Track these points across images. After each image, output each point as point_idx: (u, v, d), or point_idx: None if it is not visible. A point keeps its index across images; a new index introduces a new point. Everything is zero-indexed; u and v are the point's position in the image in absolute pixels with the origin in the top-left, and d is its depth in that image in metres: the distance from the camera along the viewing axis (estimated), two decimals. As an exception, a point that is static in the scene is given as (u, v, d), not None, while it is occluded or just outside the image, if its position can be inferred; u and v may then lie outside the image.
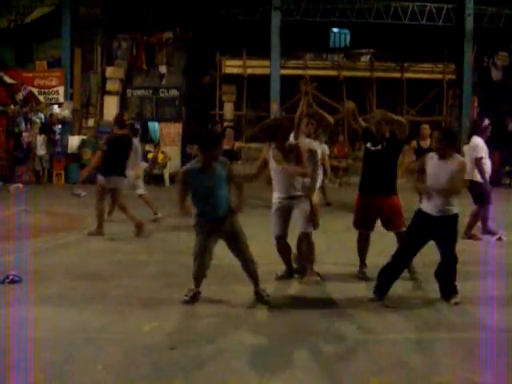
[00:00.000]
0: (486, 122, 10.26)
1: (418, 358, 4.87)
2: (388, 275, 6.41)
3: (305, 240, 7.17)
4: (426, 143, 11.58)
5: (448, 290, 6.29)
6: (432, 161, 6.32)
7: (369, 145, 7.21)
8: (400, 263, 6.46)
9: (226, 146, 10.47)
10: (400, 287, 6.77)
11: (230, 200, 6.29)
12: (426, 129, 11.71)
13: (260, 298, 6.27)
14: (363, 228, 7.34)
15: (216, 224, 6.20)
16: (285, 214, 7.06)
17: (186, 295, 6.19)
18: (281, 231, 7.12)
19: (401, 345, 5.16)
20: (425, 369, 4.67)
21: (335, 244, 9.48)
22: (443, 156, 6.22)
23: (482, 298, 6.67)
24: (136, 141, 11.41)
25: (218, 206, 6.16)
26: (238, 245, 6.27)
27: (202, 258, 6.22)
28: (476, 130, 10.19)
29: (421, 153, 11.00)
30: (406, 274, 7.25)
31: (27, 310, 5.87)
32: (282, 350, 4.99)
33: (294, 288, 7.02)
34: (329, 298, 6.63)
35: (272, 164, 6.96)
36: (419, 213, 6.38)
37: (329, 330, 5.50)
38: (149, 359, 4.75)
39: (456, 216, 6.28)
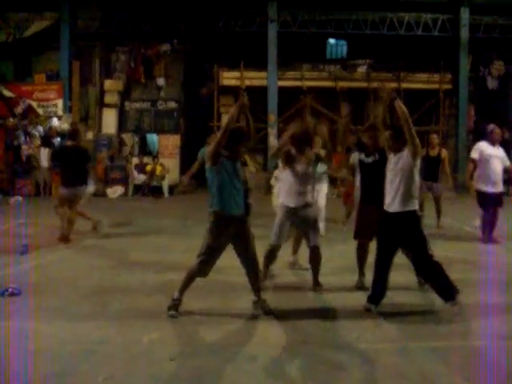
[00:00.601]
0: (491, 126, 10.68)
1: (417, 367, 4.89)
2: (378, 283, 6.45)
3: (316, 252, 7.23)
4: (434, 152, 11.87)
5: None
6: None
7: (362, 156, 7.29)
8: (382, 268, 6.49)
9: None
10: (399, 296, 6.82)
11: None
12: (434, 138, 12.04)
13: (264, 308, 6.27)
14: (363, 237, 7.37)
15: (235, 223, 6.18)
16: (291, 223, 7.19)
17: (170, 310, 6.17)
18: (280, 241, 7.19)
19: (399, 354, 5.19)
20: (423, 378, 4.70)
21: (335, 254, 9.51)
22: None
23: (481, 305, 6.69)
24: None
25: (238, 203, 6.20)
26: (247, 250, 6.25)
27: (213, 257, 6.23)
28: (484, 135, 10.62)
29: (429, 161, 11.62)
30: (404, 282, 7.30)
31: (27, 323, 5.88)
32: (281, 359, 5.02)
33: (293, 298, 7.03)
34: (328, 307, 6.65)
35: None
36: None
37: (328, 340, 5.53)
38: (149, 371, 4.77)
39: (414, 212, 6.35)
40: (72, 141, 10.92)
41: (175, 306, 6.19)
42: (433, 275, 6.31)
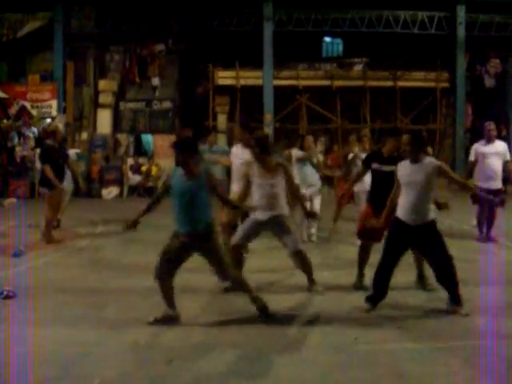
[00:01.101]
0: (486, 123, 10.74)
1: (417, 367, 4.83)
2: (380, 284, 6.37)
3: (297, 257, 7.10)
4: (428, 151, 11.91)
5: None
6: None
7: (376, 166, 7.21)
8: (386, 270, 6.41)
9: None
10: (398, 296, 6.74)
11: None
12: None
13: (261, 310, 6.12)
14: (368, 239, 7.29)
15: (193, 241, 5.92)
16: (259, 230, 7.06)
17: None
18: (242, 240, 7.08)
19: (399, 354, 5.12)
20: (423, 378, 4.64)
21: (331, 255, 9.45)
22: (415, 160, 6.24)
23: (480, 305, 6.63)
24: None
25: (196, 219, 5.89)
26: (220, 265, 6.01)
27: (164, 281, 6.00)
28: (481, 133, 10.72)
29: None
30: (402, 283, 7.22)
31: (22, 326, 5.81)
32: (280, 361, 4.94)
33: (289, 300, 6.96)
34: (326, 308, 6.56)
35: (256, 179, 6.91)
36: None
37: (327, 341, 5.45)
38: (145, 373, 4.72)
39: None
40: (52, 140, 10.79)
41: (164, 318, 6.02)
42: (451, 277, 6.21)
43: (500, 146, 10.58)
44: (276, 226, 6.97)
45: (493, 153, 10.38)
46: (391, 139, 7.19)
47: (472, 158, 10.67)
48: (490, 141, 10.50)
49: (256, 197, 6.94)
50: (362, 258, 7.37)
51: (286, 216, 6.97)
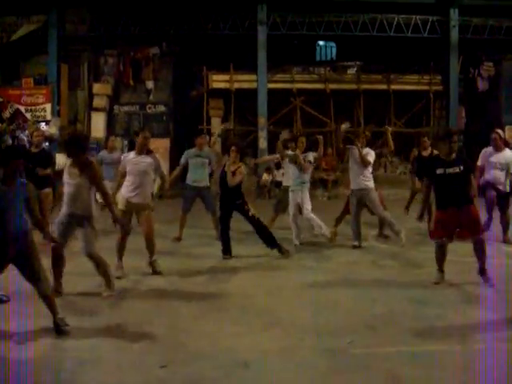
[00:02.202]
0: (492, 134, 10.68)
1: (413, 371, 4.81)
2: None
3: (92, 259, 7.14)
4: (427, 152, 11.87)
5: None
6: None
7: (440, 171, 7.51)
8: None
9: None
10: (394, 299, 6.76)
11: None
12: (425, 141, 12.01)
13: (57, 327, 5.81)
14: (444, 237, 7.57)
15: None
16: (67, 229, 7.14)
17: None
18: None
19: (394, 358, 5.10)
20: (419, 382, 4.63)
21: (324, 257, 9.45)
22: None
23: (480, 308, 6.66)
24: None
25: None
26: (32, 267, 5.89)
27: None
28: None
29: (421, 161, 11.59)
30: (401, 287, 7.24)
31: (16, 331, 5.77)
32: (273, 365, 4.93)
33: (284, 304, 6.96)
34: (320, 313, 6.56)
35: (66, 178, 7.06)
36: None
37: (321, 345, 5.45)
38: (139, 378, 4.69)
39: None
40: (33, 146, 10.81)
41: None
42: None
43: (506, 155, 10.51)
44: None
45: (497, 162, 10.39)
46: (444, 142, 7.65)
47: (479, 162, 10.73)
48: (497, 149, 10.50)
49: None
50: (439, 256, 7.70)
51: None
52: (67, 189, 7.02)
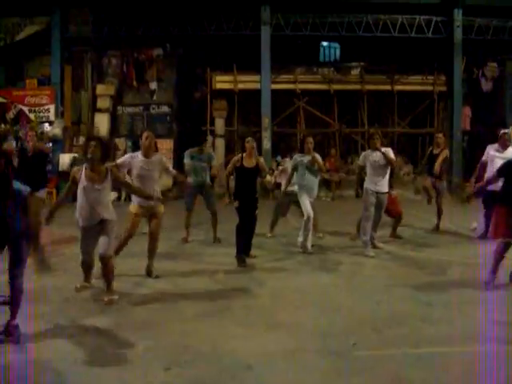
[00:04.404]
0: (501, 131, 10.98)
1: (417, 373, 4.79)
2: None
3: (104, 262, 7.09)
4: (438, 151, 12.12)
5: None
6: None
7: None
8: None
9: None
10: (397, 302, 6.73)
11: None
12: (438, 137, 12.06)
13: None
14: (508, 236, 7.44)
15: None
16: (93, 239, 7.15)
17: None
18: (86, 255, 7.22)
19: (399, 360, 5.09)
20: (424, 385, 4.61)
21: (329, 259, 9.43)
22: None
23: (480, 309, 6.62)
24: None
25: None
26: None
27: None
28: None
29: (432, 159, 12.02)
30: (405, 289, 7.22)
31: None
32: (277, 368, 4.92)
33: (287, 305, 6.93)
34: (324, 314, 6.54)
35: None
36: None
37: (325, 347, 5.42)
38: (143, 380, 4.67)
39: None
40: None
41: None
42: None
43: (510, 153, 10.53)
44: None
45: (501, 158, 10.39)
46: None
47: (483, 157, 10.94)
48: (503, 148, 10.60)
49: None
50: (499, 256, 7.50)
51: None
52: (90, 194, 6.94)
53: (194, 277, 8.32)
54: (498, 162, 10.38)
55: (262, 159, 9.25)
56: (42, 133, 20.71)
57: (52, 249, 10.36)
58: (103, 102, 22.47)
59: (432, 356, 5.15)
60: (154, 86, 23.00)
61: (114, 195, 20.13)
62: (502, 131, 10.89)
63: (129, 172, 8.49)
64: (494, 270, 7.49)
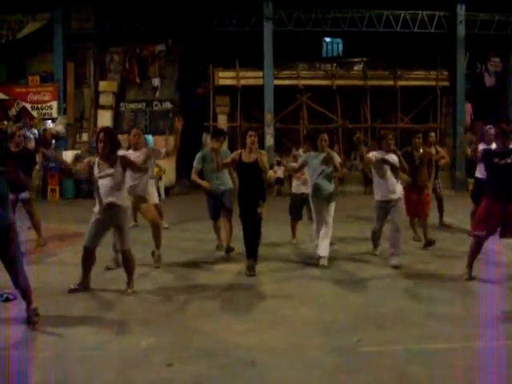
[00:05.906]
0: (487, 127, 10.81)
1: (419, 369, 4.78)
2: None
3: (125, 256, 7.18)
4: (431, 149, 11.81)
5: None
6: None
7: (496, 160, 7.47)
8: None
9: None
10: (400, 298, 6.72)
11: None
12: (431, 136, 11.77)
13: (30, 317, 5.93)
14: (485, 230, 7.44)
15: None
16: (103, 227, 7.18)
17: None
18: (90, 243, 7.16)
19: (402, 356, 5.08)
20: (426, 380, 4.61)
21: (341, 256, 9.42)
22: None
23: (482, 305, 6.63)
24: None
25: None
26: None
27: None
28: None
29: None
30: (405, 285, 7.21)
31: (22, 329, 5.79)
32: (280, 364, 4.91)
33: (291, 301, 6.93)
34: (328, 311, 6.53)
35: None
36: None
37: (328, 343, 5.42)
38: (146, 377, 4.67)
39: None
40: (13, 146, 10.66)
41: None
42: None
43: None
44: None
45: None
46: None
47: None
48: (490, 143, 10.44)
49: None
50: (474, 252, 7.60)
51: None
52: (103, 181, 6.99)
53: (198, 273, 8.32)
54: None
55: (264, 155, 8.51)
56: (45, 130, 20.72)
57: (55, 245, 10.40)
58: (106, 99, 22.49)
59: (435, 352, 5.14)
60: (156, 82, 23.03)
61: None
62: (488, 126, 10.72)
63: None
64: (471, 264, 7.62)
